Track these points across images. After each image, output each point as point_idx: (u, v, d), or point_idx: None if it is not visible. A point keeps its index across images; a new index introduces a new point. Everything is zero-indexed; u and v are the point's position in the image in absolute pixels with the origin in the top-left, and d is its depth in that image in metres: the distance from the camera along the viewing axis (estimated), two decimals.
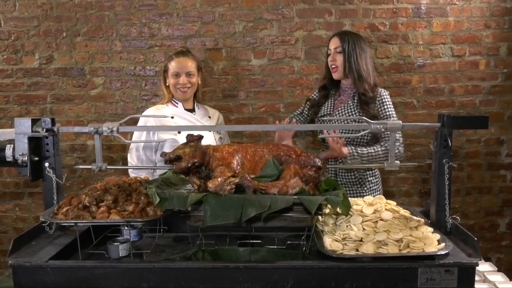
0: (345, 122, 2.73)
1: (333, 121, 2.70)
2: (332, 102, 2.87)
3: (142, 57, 3.57)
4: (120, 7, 3.50)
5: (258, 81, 3.58)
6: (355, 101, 2.78)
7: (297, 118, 3.01)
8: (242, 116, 3.60)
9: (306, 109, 2.99)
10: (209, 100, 3.53)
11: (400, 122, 1.86)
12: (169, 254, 1.82)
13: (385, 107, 2.75)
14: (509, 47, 3.50)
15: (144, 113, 2.89)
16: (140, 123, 2.88)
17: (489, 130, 3.56)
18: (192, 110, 2.94)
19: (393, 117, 2.73)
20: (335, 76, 2.81)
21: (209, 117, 3.00)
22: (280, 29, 3.51)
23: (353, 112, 2.75)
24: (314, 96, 2.99)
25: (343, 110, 2.79)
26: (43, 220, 1.77)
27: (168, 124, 2.75)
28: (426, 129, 3.49)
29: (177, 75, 2.83)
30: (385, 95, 2.78)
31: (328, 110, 2.85)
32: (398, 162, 1.89)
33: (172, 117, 2.83)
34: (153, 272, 1.61)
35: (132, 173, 2.84)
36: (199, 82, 2.95)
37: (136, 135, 2.89)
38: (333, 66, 2.79)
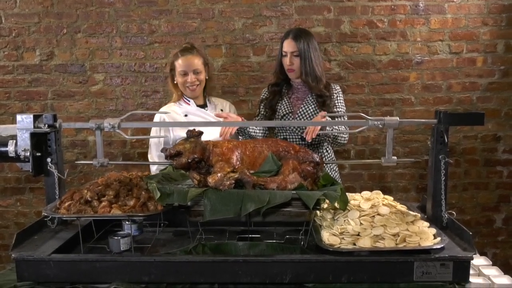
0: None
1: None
2: (288, 101, 2.87)
3: (142, 54, 3.58)
4: (120, 4, 3.52)
5: (258, 77, 3.60)
6: (313, 97, 2.82)
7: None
8: (241, 112, 3.61)
9: (263, 111, 2.94)
10: (212, 94, 3.55)
11: (397, 118, 1.89)
12: (169, 248, 1.84)
13: (339, 101, 2.87)
14: (506, 44, 3.53)
15: (156, 116, 2.86)
16: (156, 126, 2.83)
17: (486, 126, 3.59)
18: (204, 106, 2.95)
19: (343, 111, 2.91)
20: (291, 76, 2.83)
21: (221, 110, 2.99)
22: (279, 26, 3.53)
23: (315, 109, 2.80)
24: (266, 95, 2.95)
25: (304, 107, 2.81)
26: (45, 214, 1.80)
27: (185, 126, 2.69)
28: (423, 125, 3.52)
29: (184, 73, 2.81)
30: (339, 90, 2.90)
31: (288, 108, 2.83)
32: (395, 157, 1.92)
33: (186, 115, 2.83)
34: (154, 266, 1.63)
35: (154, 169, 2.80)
36: (207, 77, 2.92)
37: (153, 132, 2.84)
38: (290, 69, 2.79)
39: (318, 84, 2.78)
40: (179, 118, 2.81)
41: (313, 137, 2.53)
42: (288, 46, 2.77)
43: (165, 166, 2.26)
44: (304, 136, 2.53)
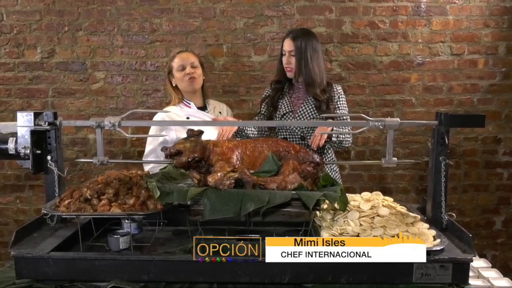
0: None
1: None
2: (289, 100, 2.88)
3: (143, 52, 3.58)
4: (121, 2, 3.51)
5: (258, 77, 3.60)
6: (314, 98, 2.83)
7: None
8: (242, 112, 3.62)
9: (264, 109, 2.95)
10: (210, 96, 3.54)
11: (398, 119, 1.89)
12: (168, 247, 1.84)
13: (341, 101, 2.86)
14: (507, 46, 3.52)
15: (157, 115, 2.89)
16: (156, 124, 2.83)
17: (486, 128, 3.59)
18: (204, 108, 2.97)
19: (346, 111, 2.90)
20: (289, 75, 2.84)
21: (220, 112, 3.03)
22: (281, 25, 3.53)
23: (315, 109, 2.80)
24: (269, 92, 2.97)
25: (304, 107, 2.82)
26: (45, 212, 1.80)
27: (185, 125, 2.66)
28: (424, 126, 3.52)
29: (182, 68, 2.86)
30: (341, 90, 2.90)
31: (289, 107, 2.85)
32: (395, 159, 1.91)
33: (188, 118, 2.84)
34: (153, 265, 1.64)
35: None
36: (204, 77, 2.98)
37: (153, 132, 2.83)
38: (288, 68, 2.81)
39: (314, 86, 2.77)
40: (178, 117, 2.82)
41: (320, 145, 2.54)
42: (286, 45, 2.79)
43: (165, 166, 2.25)
44: (310, 144, 2.54)
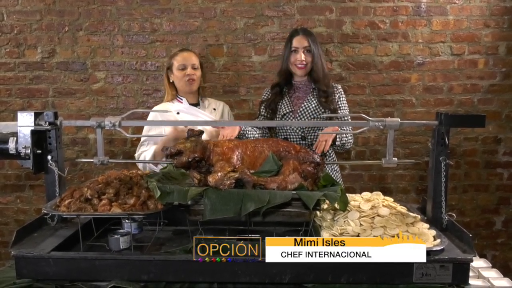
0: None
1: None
2: (289, 100, 2.88)
3: (143, 52, 3.58)
4: (122, 2, 3.52)
5: (259, 77, 3.60)
6: (315, 96, 2.84)
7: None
8: (242, 112, 3.62)
9: (263, 111, 2.95)
10: (210, 95, 3.55)
11: (398, 119, 1.89)
12: (169, 247, 1.84)
13: (342, 101, 2.90)
14: (508, 47, 3.52)
15: (150, 115, 2.92)
16: (155, 125, 2.85)
17: (486, 128, 3.59)
18: (196, 105, 2.98)
19: (347, 111, 2.95)
20: (301, 73, 2.84)
21: (214, 109, 3.03)
22: (281, 26, 3.53)
23: (317, 108, 2.81)
24: (267, 96, 2.97)
25: (305, 106, 2.83)
26: (45, 212, 1.80)
27: (184, 124, 2.68)
28: (424, 127, 3.52)
29: (183, 67, 2.89)
30: (341, 90, 2.94)
31: (289, 107, 2.85)
32: (395, 159, 1.92)
33: (178, 113, 2.87)
34: (153, 265, 1.64)
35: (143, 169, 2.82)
36: (202, 78, 3.02)
37: (146, 131, 2.88)
38: (301, 65, 2.80)
39: (325, 78, 2.82)
40: (171, 116, 2.83)
41: (324, 151, 2.54)
42: (300, 42, 2.80)
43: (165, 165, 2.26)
44: (314, 149, 2.54)
